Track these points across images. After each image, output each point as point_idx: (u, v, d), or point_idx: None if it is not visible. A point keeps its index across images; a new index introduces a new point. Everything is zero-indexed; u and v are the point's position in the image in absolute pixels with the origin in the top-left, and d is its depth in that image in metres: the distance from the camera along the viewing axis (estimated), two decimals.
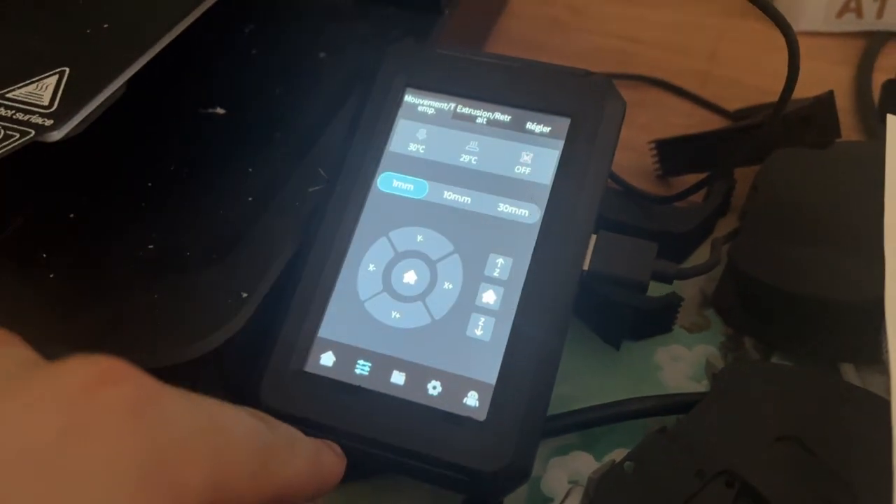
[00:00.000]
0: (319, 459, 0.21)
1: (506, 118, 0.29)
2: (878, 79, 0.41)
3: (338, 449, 0.23)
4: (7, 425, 0.13)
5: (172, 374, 0.23)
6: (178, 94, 0.33)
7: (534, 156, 0.28)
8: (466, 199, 0.28)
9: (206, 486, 0.15)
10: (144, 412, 0.14)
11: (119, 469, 0.13)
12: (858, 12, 0.43)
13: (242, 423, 0.17)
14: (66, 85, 0.25)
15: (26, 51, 0.26)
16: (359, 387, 0.25)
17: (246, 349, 0.26)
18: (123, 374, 0.14)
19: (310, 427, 0.25)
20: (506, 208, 0.27)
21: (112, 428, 0.13)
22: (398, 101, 0.29)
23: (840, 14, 0.44)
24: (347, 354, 0.26)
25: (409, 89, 0.30)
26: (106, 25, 0.27)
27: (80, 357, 0.14)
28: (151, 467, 0.14)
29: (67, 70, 0.25)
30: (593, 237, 0.27)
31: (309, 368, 0.26)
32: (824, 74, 0.42)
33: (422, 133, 0.29)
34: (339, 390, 0.25)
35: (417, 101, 0.29)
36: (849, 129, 0.39)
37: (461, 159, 0.28)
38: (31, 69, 0.25)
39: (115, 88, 0.25)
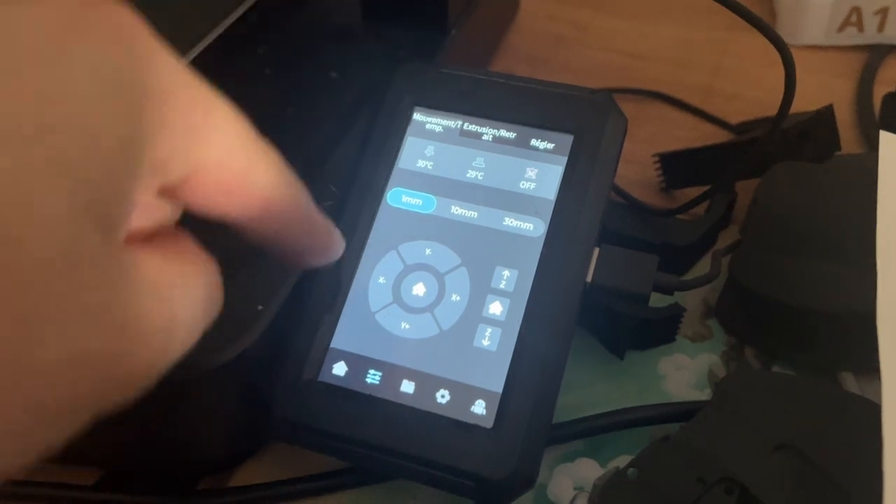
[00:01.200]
0: (320, 218, 0.20)
1: (511, 135, 0.29)
2: (879, 92, 0.42)
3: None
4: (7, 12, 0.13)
5: (190, 384, 0.24)
6: None
7: (538, 171, 0.29)
8: (473, 213, 0.28)
9: (197, 147, 0.15)
10: (143, 41, 0.14)
11: (111, 79, 0.13)
12: (859, 26, 0.44)
13: (240, 119, 0.17)
14: None
15: None
16: (370, 396, 0.26)
17: (261, 360, 0.27)
18: (123, 8, 0.14)
19: (323, 436, 0.26)
20: (511, 222, 0.28)
21: (110, 37, 0.14)
22: (407, 120, 0.30)
23: (841, 28, 0.44)
24: (359, 364, 0.27)
25: (417, 108, 0.31)
26: None
27: None
28: (141, 90, 0.14)
29: None
30: (596, 250, 0.28)
31: (322, 378, 0.27)
32: (826, 87, 0.43)
33: (430, 150, 0.30)
34: (351, 399, 0.26)
35: (425, 120, 0.30)
36: (850, 141, 0.40)
37: (468, 175, 0.29)
38: None
39: None
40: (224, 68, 0.36)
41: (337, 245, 0.22)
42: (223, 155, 0.16)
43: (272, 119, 0.34)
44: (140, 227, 0.16)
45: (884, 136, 0.27)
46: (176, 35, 0.29)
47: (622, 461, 0.29)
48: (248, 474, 0.29)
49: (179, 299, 0.15)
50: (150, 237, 0.16)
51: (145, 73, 0.14)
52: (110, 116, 0.13)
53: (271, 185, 0.18)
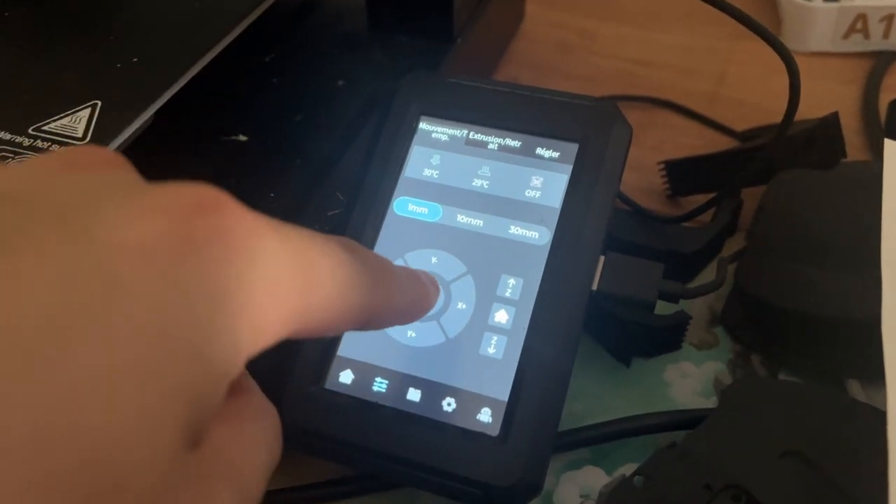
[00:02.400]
0: (412, 290, 0.21)
1: (516, 144, 0.30)
2: (885, 98, 0.42)
3: (432, 279, 0.23)
4: (123, 225, 0.13)
5: None
6: (203, 121, 0.35)
7: (543, 180, 0.29)
8: (479, 221, 0.29)
9: (287, 322, 0.15)
10: (242, 245, 0.14)
11: (216, 292, 0.13)
12: (865, 33, 0.44)
13: (330, 255, 0.17)
14: (98, 117, 0.26)
15: (61, 85, 0.27)
16: (376, 403, 0.26)
17: (269, 367, 0.27)
18: (228, 204, 0.14)
19: (330, 442, 0.26)
20: (517, 231, 0.28)
21: (214, 252, 0.13)
22: (413, 129, 0.31)
23: (847, 35, 0.44)
24: (365, 372, 0.27)
25: (423, 117, 0.31)
26: (135, 60, 0.29)
27: (188, 182, 0.14)
28: (243, 299, 0.14)
29: (99, 103, 0.27)
30: (602, 258, 0.28)
31: (329, 386, 0.27)
32: (832, 94, 0.43)
33: (436, 159, 0.30)
34: (357, 407, 0.26)
35: (431, 129, 0.30)
36: (856, 148, 0.40)
37: (473, 184, 0.29)
38: (65, 103, 0.27)
39: (144, 120, 0.27)
40: (232, 77, 0.36)
41: (431, 300, 0.22)
42: (320, 310, 0.17)
43: (280, 127, 0.34)
44: None
45: (889, 144, 0.27)
46: (185, 47, 0.29)
47: (628, 469, 0.29)
48: None
49: (248, 470, 0.16)
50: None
51: (238, 278, 0.14)
52: (220, 330, 0.13)
53: (361, 299, 0.18)
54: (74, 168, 0.15)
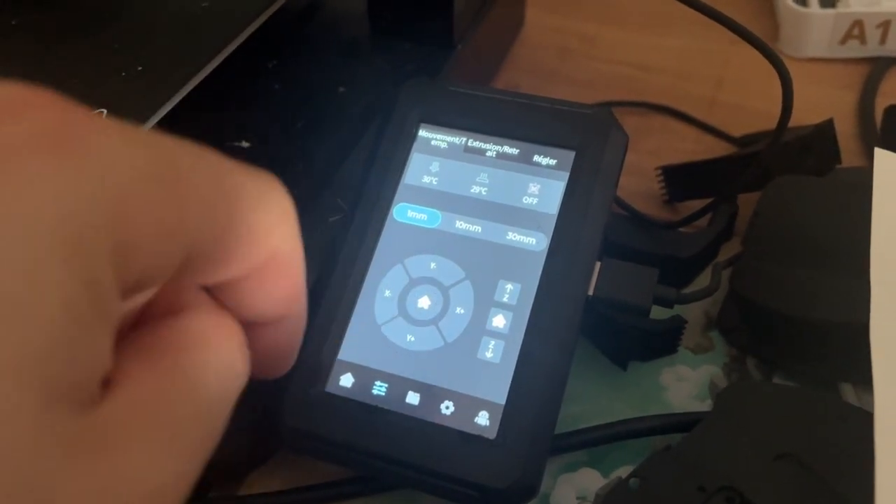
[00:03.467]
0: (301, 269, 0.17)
1: (514, 151, 0.30)
2: (881, 103, 0.42)
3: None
4: None
5: None
6: (206, 127, 0.35)
7: (541, 187, 0.29)
8: (477, 228, 0.29)
9: (152, 235, 0.12)
10: (72, 148, 0.11)
11: (36, 222, 0.10)
12: (862, 39, 0.45)
13: (215, 164, 0.14)
14: None
15: (68, 94, 0.28)
16: (376, 406, 0.27)
17: None
18: (44, 101, 0.11)
19: (330, 445, 0.27)
20: (514, 237, 0.29)
21: (26, 166, 0.11)
22: (412, 136, 0.31)
23: (843, 41, 0.45)
24: (365, 376, 0.27)
25: (422, 124, 0.31)
26: (140, 68, 0.29)
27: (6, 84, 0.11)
28: (82, 220, 0.11)
29: (105, 112, 0.27)
30: (598, 264, 0.28)
31: (329, 389, 0.27)
32: (828, 99, 0.43)
33: (435, 166, 0.30)
34: (357, 410, 0.27)
35: (431, 136, 0.31)
36: (852, 153, 0.40)
37: (472, 190, 0.30)
38: None
39: (149, 127, 0.27)
40: (234, 84, 0.37)
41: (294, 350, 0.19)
42: (221, 228, 0.14)
43: (281, 133, 0.35)
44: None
45: (878, 153, 0.27)
46: (189, 56, 0.30)
47: (624, 471, 0.29)
48: (258, 483, 0.30)
49: (187, 407, 0.13)
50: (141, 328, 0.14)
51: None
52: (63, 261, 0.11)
53: (280, 240, 0.15)
54: None
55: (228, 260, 0.14)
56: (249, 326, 0.16)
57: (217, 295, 0.15)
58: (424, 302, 0.28)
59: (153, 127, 0.28)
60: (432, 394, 0.27)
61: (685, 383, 0.32)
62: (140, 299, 0.15)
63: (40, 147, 0.11)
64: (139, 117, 0.27)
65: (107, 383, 0.12)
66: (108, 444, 0.11)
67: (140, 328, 0.14)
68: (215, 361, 0.14)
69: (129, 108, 0.28)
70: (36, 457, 0.10)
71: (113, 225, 0.11)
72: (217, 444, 0.14)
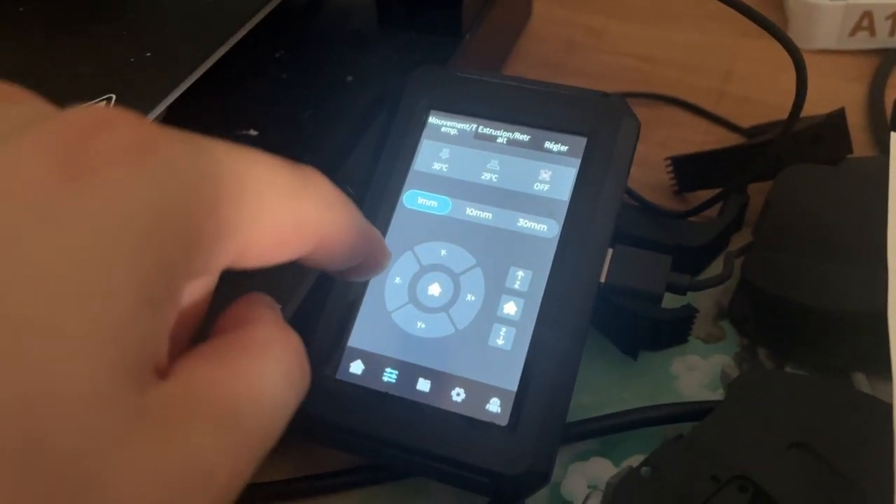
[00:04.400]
0: (362, 228, 0.19)
1: (525, 138, 0.30)
2: (891, 95, 0.42)
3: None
4: (2, 171, 0.12)
5: None
6: (214, 116, 0.35)
7: (552, 173, 0.29)
8: (488, 214, 0.29)
9: (223, 235, 0.14)
10: (147, 156, 0.12)
11: (120, 216, 0.12)
12: (871, 30, 0.44)
13: (266, 165, 0.15)
14: None
15: (78, 79, 0.28)
16: (386, 393, 0.27)
17: None
18: (122, 119, 0.13)
19: (340, 432, 0.26)
20: (525, 223, 0.29)
21: (111, 173, 0.12)
22: (422, 123, 0.31)
23: (853, 32, 0.45)
24: (376, 363, 0.27)
25: (432, 111, 0.31)
26: (149, 54, 0.29)
27: (80, 106, 0.13)
28: (158, 215, 0.12)
29: (114, 97, 0.27)
30: (610, 251, 0.28)
31: (340, 376, 0.27)
32: (838, 91, 0.43)
33: (445, 153, 0.30)
34: (368, 397, 0.27)
35: (441, 123, 0.31)
36: (862, 144, 0.40)
37: (482, 177, 0.30)
38: (81, 96, 0.27)
39: (157, 113, 0.27)
40: (243, 72, 0.37)
41: (386, 259, 0.21)
42: (272, 220, 0.15)
43: (290, 123, 0.35)
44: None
45: (895, 138, 0.27)
46: (198, 42, 0.30)
47: (635, 460, 0.29)
48: (267, 470, 0.29)
49: (248, 406, 0.14)
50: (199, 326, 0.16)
51: (167, 193, 0.13)
52: (129, 253, 0.12)
53: (325, 224, 0.17)
54: None
55: (281, 249, 0.16)
56: None
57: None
58: (435, 289, 0.28)
59: (162, 112, 0.28)
60: (443, 381, 0.27)
61: (696, 373, 0.32)
62: (197, 291, 0.16)
63: (124, 155, 0.12)
64: (148, 103, 0.27)
65: (163, 375, 0.13)
66: (164, 423, 0.12)
67: (203, 342, 0.15)
68: (275, 369, 0.15)
69: (137, 94, 0.27)
70: (100, 426, 0.11)
71: (183, 219, 0.13)
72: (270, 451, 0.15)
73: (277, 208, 0.15)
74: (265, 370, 0.15)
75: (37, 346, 0.11)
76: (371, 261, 0.20)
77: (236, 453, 0.13)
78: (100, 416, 0.11)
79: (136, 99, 0.27)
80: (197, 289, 0.16)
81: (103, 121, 0.13)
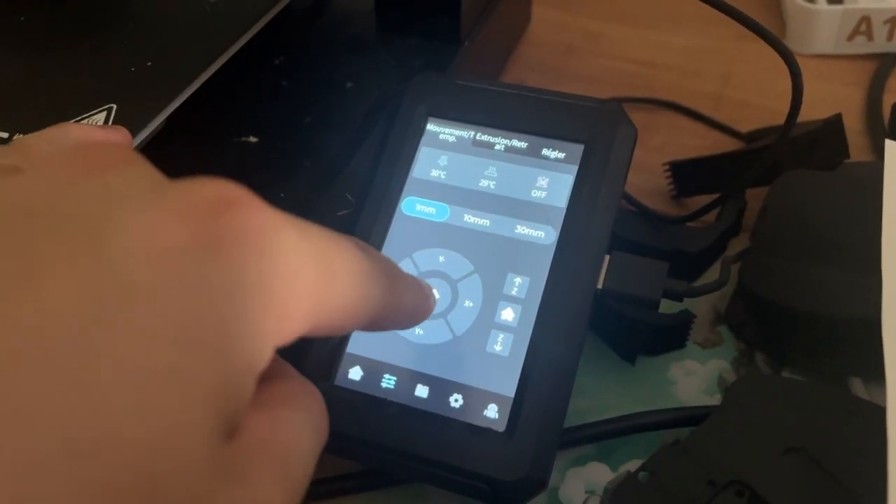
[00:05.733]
0: (413, 291, 0.21)
1: (523, 145, 0.30)
2: (889, 100, 0.42)
3: (430, 290, 0.23)
4: (142, 232, 0.13)
5: None
6: (214, 123, 0.35)
7: (549, 180, 0.29)
8: (485, 221, 0.29)
9: (309, 314, 0.15)
10: (266, 239, 0.14)
11: (241, 286, 0.13)
12: (869, 35, 0.45)
13: (346, 252, 0.17)
14: (114, 120, 0.27)
15: (78, 89, 0.28)
16: (385, 399, 0.27)
17: None
18: (249, 200, 0.14)
19: (339, 438, 0.27)
20: (523, 230, 0.29)
21: (235, 249, 0.13)
22: (421, 130, 0.31)
23: (851, 37, 0.45)
24: (374, 369, 0.27)
25: (430, 118, 0.31)
26: (149, 63, 0.29)
27: (207, 178, 0.14)
28: (265, 293, 0.14)
29: (115, 106, 0.27)
30: (607, 257, 0.28)
31: (338, 382, 0.27)
32: (836, 95, 0.43)
33: (443, 159, 0.30)
34: (366, 403, 0.27)
35: (439, 130, 0.31)
36: (860, 149, 0.40)
37: (480, 184, 0.30)
38: (82, 106, 0.27)
39: (158, 122, 0.27)
40: (243, 79, 0.37)
41: (432, 305, 0.23)
42: (332, 307, 0.17)
43: (290, 129, 0.35)
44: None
45: (890, 145, 0.27)
46: (198, 51, 0.30)
47: (633, 465, 0.29)
48: None
49: (291, 454, 0.16)
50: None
51: (262, 271, 0.14)
52: (240, 323, 0.14)
53: (375, 297, 0.18)
54: (89, 170, 0.15)
55: (348, 325, 0.18)
56: None
57: None
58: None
59: (162, 122, 0.28)
60: (441, 387, 0.27)
61: (694, 378, 0.32)
62: None
63: (247, 235, 0.14)
64: (149, 113, 0.27)
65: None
66: (244, 474, 0.14)
67: None
68: (308, 419, 0.17)
69: (138, 104, 0.28)
70: (209, 471, 0.13)
71: (282, 295, 0.14)
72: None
73: (353, 292, 0.17)
74: (302, 421, 0.16)
75: (168, 396, 0.12)
76: (413, 315, 0.22)
77: (285, 495, 0.15)
78: (208, 464, 0.13)
79: (136, 109, 0.27)
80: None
81: (230, 199, 0.14)
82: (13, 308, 0.12)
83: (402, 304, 0.20)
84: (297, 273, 0.15)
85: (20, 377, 0.11)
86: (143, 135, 0.26)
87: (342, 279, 0.16)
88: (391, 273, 0.19)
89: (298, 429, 0.16)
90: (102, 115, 0.27)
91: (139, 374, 0.12)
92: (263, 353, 0.14)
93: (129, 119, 0.27)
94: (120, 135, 0.21)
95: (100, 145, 0.16)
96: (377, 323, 0.19)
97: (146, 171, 0.15)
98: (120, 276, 0.12)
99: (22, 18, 0.32)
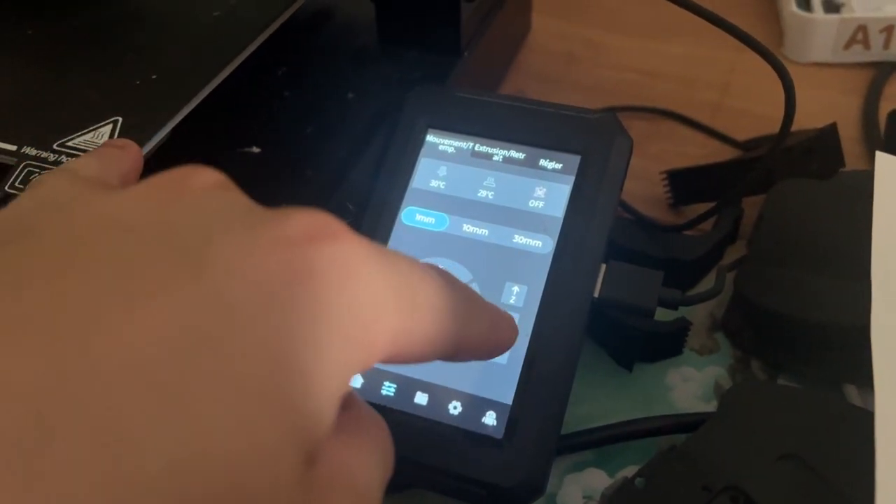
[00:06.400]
0: (495, 323, 0.20)
1: (520, 156, 0.31)
2: (885, 108, 0.42)
3: (513, 321, 0.22)
4: (241, 257, 0.13)
5: None
6: (217, 134, 0.36)
7: (547, 190, 0.30)
8: (484, 231, 0.30)
9: (389, 346, 0.16)
10: (355, 270, 0.14)
11: (328, 319, 0.14)
12: (865, 44, 0.45)
13: (430, 284, 0.17)
14: (119, 133, 0.27)
15: (84, 102, 0.29)
16: (385, 407, 0.27)
17: None
18: (341, 231, 0.15)
19: None
20: (521, 239, 0.29)
21: (326, 279, 0.14)
22: (420, 141, 0.32)
23: (847, 46, 0.45)
24: (375, 376, 0.28)
25: (430, 130, 0.32)
26: (154, 76, 0.30)
27: (299, 208, 0.15)
28: (352, 322, 0.14)
29: (120, 119, 0.28)
30: (603, 266, 0.29)
31: None
32: (833, 104, 0.44)
33: (442, 170, 0.31)
34: None
35: (438, 141, 0.31)
36: (856, 157, 0.41)
37: (479, 194, 0.30)
38: (88, 119, 0.28)
39: (163, 135, 0.28)
40: (246, 91, 0.37)
41: (513, 337, 0.22)
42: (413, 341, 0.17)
43: (292, 139, 0.35)
44: None
45: (880, 156, 0.27)
46: (202, 64, 0.30)
47: (630, 471, 0.30)
48: None
49: (363, 481, 0.16)
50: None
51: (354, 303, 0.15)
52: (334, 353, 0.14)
53: (456, 327, 0.18)
54: (185, 191, 0.15)
55: (426, 355, 0.18)
56: None
57: None
58: None
59: (167, 134, 0.28)
60: (440, 394, 0.27)
61: (690, 384, 0.32)
62: None
63: (340, 267, 0.14)
64: (154, 125, 0.28)
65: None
66: (323, 500, 0.14)
67: None
68: (377, 450, 0.17)
69: (143, 116, 0.28)
70: (291, 497, 0.13)
71: (365, 329, 0.15)
72: None
73: (433, 322, 0.17)
74: (373, 452, 0.17)
75: (266, 418, 0.12)
76: (494, 347, 0.21)
77: None
78: (295, 484, 0.13)
79: (141, 121, 0.28)
80: None
81: (322, 229, 0.15)
82: (114, 327, 0.12)
83: (483, 336, 0.20)
84: (382, 304, 0.15)
85: (123, 397, 0.11)
86: (149, 146, 0.27)
87: (424, 312, 0.17)
88: (474, 305, 0.19)
89: (370, 458, 0.16)
90: (108, 128, 0.28)
91: (235, 394, 0.12)
92: (345, 380, 0.15)
93: (134, 131, 0.27)
94: (132, 149, 0.22)
95: (195, 171, 0.16)
96: (456, 354, 0.19)
97: (239, 197, 0.16)
98: (219, 299, 0.13)
99: (29, 32, 0.33)
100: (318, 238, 0.14)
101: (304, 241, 0.14)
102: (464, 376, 0.27)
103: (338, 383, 0.14)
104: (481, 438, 0.26)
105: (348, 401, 0.17)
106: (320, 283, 0.14)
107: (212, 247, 0.13)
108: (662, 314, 0.29)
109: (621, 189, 0.30)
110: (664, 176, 0.39)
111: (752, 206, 0.36)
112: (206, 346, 0.12)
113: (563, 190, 0.30)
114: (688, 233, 0.35)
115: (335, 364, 0.14)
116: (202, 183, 0.15)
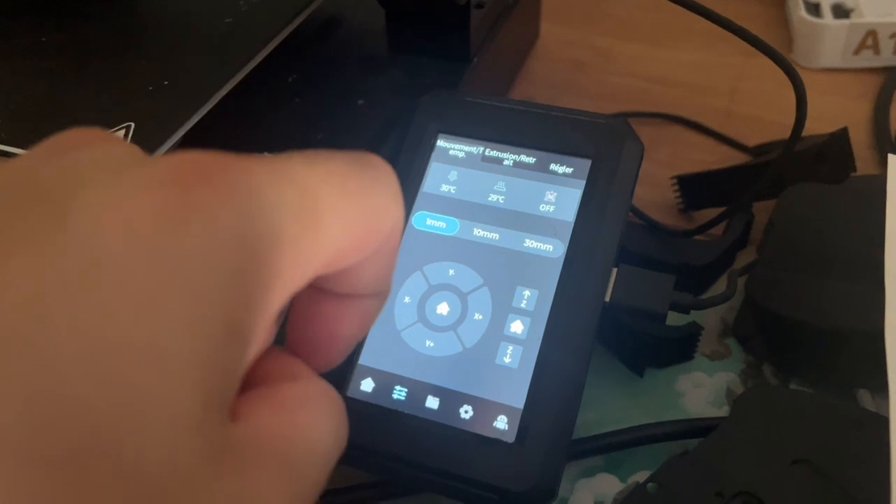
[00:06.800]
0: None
1: (531, 160, 0.31)
2: (895, 112, 0.42)
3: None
4: (109, 205, 0.13)
5: None
6: (228, 140, 0.36)
7: (557, 195, 0.30)
8: (495, 235, 0.30)
9: (297, 273, 0.14)
10: (240, 203, 0.13)
11: (211, 254, 0.13)
12: (875, 49, 0.45)
13: (339, 175, 0.15)
14: (132, 138, 0.28)
15: (98, 108, 0.29)
16: (396, 411, 0.27)
17: None
18: (223, 165, 0.14)
19: (351, 449, 0.27)
20: (531, 244, 0.29)
21: (209, 216, 0.13)
22: (431, 146, 0.32)
23: (857, 51, 0.45)
24: (386, 381, 0.28)
25: (441, 135, 0.32)
26: (166, 83, 0.30)
27: (186, 151, 0.14)
28: (244, 258, 0.13)
29: (133, 125, 0.28)
30: (614, 270, 0.29)
31: (350, 394, 0.28)
32: (843, 109, 0.44)
33: (453, 175, 0.31)
34: (378, 414, 0.27)
35: (449, 146, 0.32)
36: (867, 162, 0.41)
37: (490, 199, 0.30)
38: (101, 124, 0.28)
39: (174, 141, 0.28)
40: (256, 97, 0.38)
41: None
42: (350, 232, 0.15)
43: (302, 145, 0.35)
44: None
45: (892, 159, 0.27)
46: (214, 70, 0.31)
47: (641, 476, 0.30)
48: None
49: (303, 457, 0.15)
50: (259, 378, 0.16)
51: (253, 233, 0.13)
52: (225, 290, 0.13)
53: (394, 217, 0.17)
54: (64, 150, 0.14)
55: (360, 251, 0.16)
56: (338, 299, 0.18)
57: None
58: (443, 308, 0.29)
59: (179, 139, 0.28)
60: (451, 398, 0.27)
61: (702, 390, 0.32)
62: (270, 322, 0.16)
63: (214, 197, 0.13)
64: (166, 131, 0.28)
65: (233, 416, 0.14)
66: (240, 462, 0.13)
67: (256, 388, 0.16)
68: (326, 422, 0.16)
69: (156, 122, 0.28)
70: (189, 455, 0.12)
71: (265, 255, 0.13)
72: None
73: (353, 216, 0.16)
74: (319, 423, 0.15)
75: (137, 366, 0.12)
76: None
77: (292, 500, 0.14)
78: (190, 444, 0.12)
79: (154, 127, 0.28)
80: (270, 321, 0.17)
81: (205, 167, 0.13)
82: None
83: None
84: (280, 230, 0.14)
85: None
86: (161, 152, 0.27)
87: (337, 211, 0.15)
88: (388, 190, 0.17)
89: (312, 430, 0.15)
90: (121, 133, 0.28)
91: (102, 343, 0.11)
92: (247, 323, 0.13)
93: (147, 137, 0.28)
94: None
95: (74, 130, 0.15)
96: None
97: (123, 149, 0.15)
98: (84, 248, 0.12)
99: (43, 39, 0.33)
100: (199, 175, 0.13)
101: (182, 181, 0.13)
102: (475, 380, 0.27)
103: (236, 328, 0.13)
104: (493, 443, 0.26)
105: (296, 373, 0.17)
106: (202, 221, 0.13)
107: (77, 199, 0.13)
108: (673, 319, 0.29)
109: (632, 193, 0.30)
110: (674, 181, 0.39)
111: (762, 210, 0.36)
112: (67, 294, 0.12)
113: (574, 194, 0.30)
114: (698, 238, 0.35)
115: (226, 305, 0.13)
116: (84, 139, 0.15)
